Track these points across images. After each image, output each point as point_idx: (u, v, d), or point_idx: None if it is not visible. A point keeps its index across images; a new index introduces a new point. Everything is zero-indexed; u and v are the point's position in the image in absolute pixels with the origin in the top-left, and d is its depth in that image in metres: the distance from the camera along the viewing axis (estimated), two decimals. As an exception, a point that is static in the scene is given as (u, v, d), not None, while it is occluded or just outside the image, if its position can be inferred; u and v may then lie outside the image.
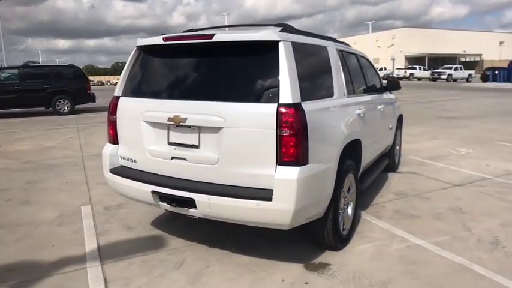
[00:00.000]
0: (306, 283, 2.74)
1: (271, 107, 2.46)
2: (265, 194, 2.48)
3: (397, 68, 47.19)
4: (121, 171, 3.13)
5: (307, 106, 2.52)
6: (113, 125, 3.22)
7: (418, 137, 8.39)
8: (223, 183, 2.65)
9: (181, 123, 2.73)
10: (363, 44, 59.77)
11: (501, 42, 57.11)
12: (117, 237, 3.57)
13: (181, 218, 3.89)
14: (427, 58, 52.58)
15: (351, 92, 3.53)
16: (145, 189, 2.88)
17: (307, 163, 2.48)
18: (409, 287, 2.66)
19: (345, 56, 3.70)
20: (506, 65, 34.20)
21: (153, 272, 2.92)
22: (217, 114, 2.60)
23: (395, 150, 5.61)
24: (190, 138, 2.77)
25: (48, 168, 6.32)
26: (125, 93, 3.18)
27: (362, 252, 3.19)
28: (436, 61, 52.94)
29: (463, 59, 54.57)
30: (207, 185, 2.68)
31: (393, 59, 56.68)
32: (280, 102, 2.45)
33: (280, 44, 2.55)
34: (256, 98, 2.58)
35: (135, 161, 3.09)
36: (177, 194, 2.73)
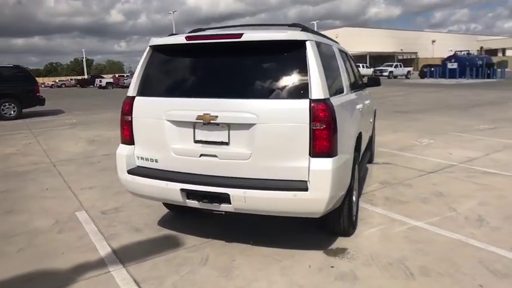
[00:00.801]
0: (332, 267, 2.94)
1: (304, 103, 2.62)
2: (299, 185, 2.64)
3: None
4: (141, 171, 3.11)
5: (333, 101, 2.72)
6: (128, 125, 3.18)
7: (382, 131, 8.96)
8: (256, 177, 2.76)
9: (210, 121, 2.79)
10: (309, 43, 61.76)
11: (433, 41, 61.97)
12: (128, 239, 3.52)
13: (187, 216, 3.94)
14: (368, 56, 55.53)
15: (351, 88, 3.79)
16: (173, 188, 2.90)
17: (337, 154, 2.67)
18: (424, 262, 2.95)
19: (342, 54, 3.96)
20: (440, 63, 37.19)
21: (182, 270, 2.95)
22: (250, 111, 2.71)
23: (373, 142, 6.02)
24: (219, 135, 2.83)
25: (18, 176, 5.95)
26: (142, 93, 3.15)
27: (371, 236, 3.45)
28: (376, 59, 56.14)
29: (400, 57, 58.35)
30: (240, 179, 2.78)
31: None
32: (312, 98, 2.63)
33: (307, 43, 2.72)
34: (288, 94, 2.73)
35: (156, 161, 3.09)
36: (209, 190, 2.79)
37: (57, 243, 3.51)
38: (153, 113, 3.04)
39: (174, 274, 2.90)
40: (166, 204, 3.96)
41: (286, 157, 2.69)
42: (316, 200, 2.62)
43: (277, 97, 2.72)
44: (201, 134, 2.89)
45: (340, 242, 3.33)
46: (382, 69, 41.26)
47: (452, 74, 32.20)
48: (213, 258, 3.12)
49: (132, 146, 3.20)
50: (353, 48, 57.44)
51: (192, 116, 2.85)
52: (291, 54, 2.75)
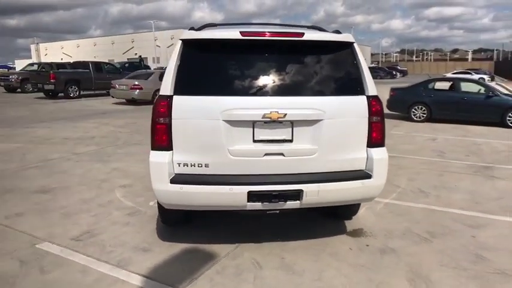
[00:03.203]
0: (367, 245, 3.34)
1: (363, 99, 2.92)
2: (363, 174, 2.93)
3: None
4: (189, 179, 2.78)
5: None
6: (165, 128, 2.79)
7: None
8: (324, 171, 2.89)
9: (278, 119, 2.76)
10: (141, 42, 59.62)
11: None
12: (148, 262, 3.07)
13: (184, 227, 3.68)
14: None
15: None
16: (239, 192, 2.73)
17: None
18: (423, 227, 3.66)
19: None
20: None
21: (246, 278, 2.84)
22: (318, 107, 2.82)
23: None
24: (282, 133, 2.82)
25: None
26: (182, 92, 2.81)
27: (366, 216, 3.99)
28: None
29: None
30: (312, 175, 2.85)
31: (173, 58, 59.13)
32: (368, 94, 2.94)
33: (355, 45, 3.01)
34: (348, 91, 2.95)
35: (206, 165, 2.81)
36: (281, 189, 2.76)
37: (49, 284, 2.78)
38: (205, 113, 2.78)
39: (243, 283, 2.76)
40: (167, 218, 3.57)
41: (347, 149, 2.93)
42: (377, 185, 2.97)
43: (340, 94, 2.93)
44: (262, 133, 2.82)
45: (350, 225, 3.75)
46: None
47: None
48: (262, 260, 3.09)
49: (170, 151, 2.83)
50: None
51: (257, 115, 2.76)
52: (342, 54, 3.00)
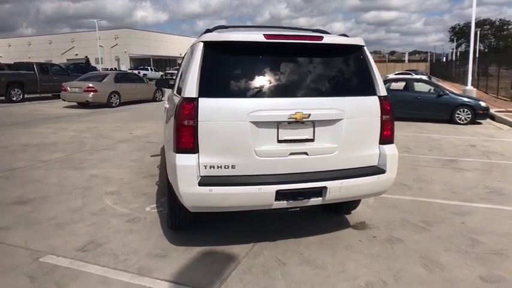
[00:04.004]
0: (374, 237, 3.55)
1: (376, 99, 3.11)
2: (377, 169, 3.12)
3: (129, 69, 47.97)
4: (218, 181, 2.78)
5: None
6: (191, 130, 2.76)
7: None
8: (343, 168, 3.03)
9: (303, 119, 2.86)
10: (82, 42, 56.62)
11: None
12: (168, 267, 3.01)
13: (191, 230, 3.66)
14: (151, 59, 55.99)
15: None
16: (268, 191, 2.79)
17: None
18: (418, 218, 3.95)
19: None
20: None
21: (273, 275, 2.90)
22: (338, 107, 2.96)
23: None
24: (304, 132, 2.93)
25: None
26: (207, 94, 2.81)
27: (362, 210, 4.20)
28: (159, 62, 57.37)
29: (180, 61, 61.65)
30: (335, 172, 2.98)
31: (118, 60, 56.95)
32: (379, 94, 3.14)
33: (365, 48, 3.20)
34: (362, 91, 3.12)
35: (233, 167, 2.83)
36: (307, 187, 2.86)
37: (79, 298, 2.64)
38: (232, 115, 2.80)
39: (273, 280, 2.82)
40: (178, 223, 3.52)
41: (363, 147, 3.11)
42: (390, 179, 3.17)
43: (356, 94, 3.09)
44: (285, 133, 2.90)
45: (352, 219, 3.95)
46: (172, 73, 42.64)
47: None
48: (283, 257, 3.16)
49: (196, 154, 2.81)
50: (136, 51, 56.74)
51: (283, 116, 2.83)
52: (355, 56, 3.16)
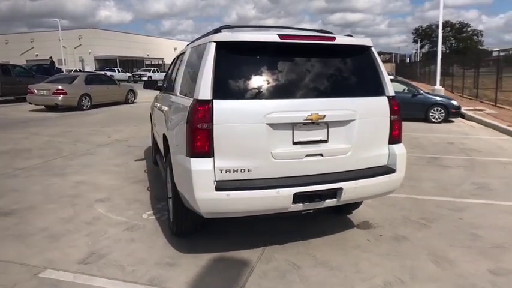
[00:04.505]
0: (380, 235, 3.59)
1: (385, 99, 3.15)
2: (388, 169, 3.15)
3: (95, 70, 46.41)
4: (234, 185, 2.71)
5: None
6: (206, 134, 2.67)
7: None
8: (356, 169, 3.03)
9: (318, 121, 2.85)
10: (42, 42, 54.15)
11: (175, 48, 67.17)
12: (184, 277, 2.90)
13: (196, 236, 3.58)
14: (118, 60, 54.44)
15: None
16: (286, 194, 2.74)
17: None
18: (417, 215, 4.04)
19: None
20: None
21: (292, 279, 2.86)
22: (350, 108, 2.97)
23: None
24: (318, 134, 2.91)
25: None
26: (222, 96, 2.72)
27: (363, 209, 4.25)
28: (126, 63, 55.87)
29: (148, 62, 60.24)
30: (349, 172, 2.98)
31: (82, 61, 54.98)
32: (388, 95, 3.18)
33: (373, 48, 3.22)
34: (372, 92, 3.14)
35: (249, 170, 2.76)
36: (324, 188, 2.85)
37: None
38: (248, 117, 2.74)
39: (292, 284, 2.79)
40: (183, 230, 3.42)
41: (374, 147, 3.13)
42: (399, 178, 3.22)
43: (366, 95, 3.11)
44: (301, 135, 2.87)
45: (354, 218, 3.99)
46: (141, 74, 41.74)
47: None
48: (296, 260, 3.13)
49: (211, 158, 2.73)
50: (100, 52, 54.89)
51: (299, 117, 2.81)
52: (364, 57, 3.18)
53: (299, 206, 2.88)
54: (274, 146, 2.83)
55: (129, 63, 56.88)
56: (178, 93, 3.49)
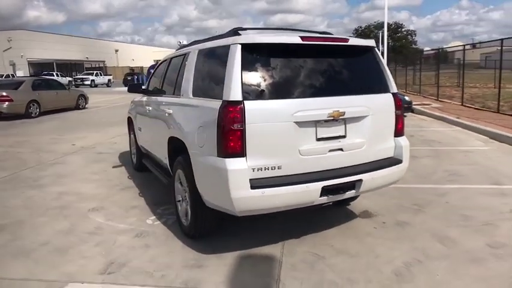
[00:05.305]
0: (384, 222, 3.87)
1: (390, 95, 3.41)
2: (396, 160, 3.42)
3: (31, 75, 43.17)
4: (267, 182, 2.80)
5: None
6: (239, 134, 2.73)
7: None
8: (370, 161, 3.26)
9: (339, 117, 3.03)
10: (-36, 45, 49.37)
11: (116, 50, 64.58)
12: (216, 277, 2.93)
13: (213, 236, 3.63)
14: (55, 64, 51.14)
15: None
16: (315, 188, 2.90)
17: None
18: (410, 202, 4.39)
19: None
20: (139, 71, 39.84)
21: (321, 268, 3.01)
22: (365, 105, 3.19)
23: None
24: (338, 130, 3.09)
25: None
26: (251, 96, 2.81)
27: (359, 200, 4.52)
28: (64, 67, 52.61)
29: (88, 65, 57.20)
30: (366, 164, 3.21)
31: (13, 65, 50.86)
32: (392, 91, 3.44)
33: (375, 49, 3.47)
34: (379, 89, 3.38)
35: (279, 167, 2.86)
36: (346, 181, 3.03)
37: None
38: (278, 116, 2.85)
39: (323, 273, 2.94)
40: (202, 230, 3.43)
41: (383, 140, 3.38)
42: (405, 168, 3.49)
43: (375, 92, 3.35)
44: (322, 132, 3.04)
45: (354, 209, 4.25)
46: (83, 78, 39.59)
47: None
48: (318, 251, 3.28)
49: (244, 157, 2.79)
50: (35, 55, 51.05)
51: (323, 115, 2.96)
52: (370, 56, 3.42)
53: (324, 199, 3.05)
54: (301, 143, 2.97)
55: (68, 67, 53.64)
56: (190, 96, 3.49)
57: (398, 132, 3.51)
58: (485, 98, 14.43)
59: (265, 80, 2.92)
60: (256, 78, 2.91)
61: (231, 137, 2.76)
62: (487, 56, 36.16)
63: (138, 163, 5.96)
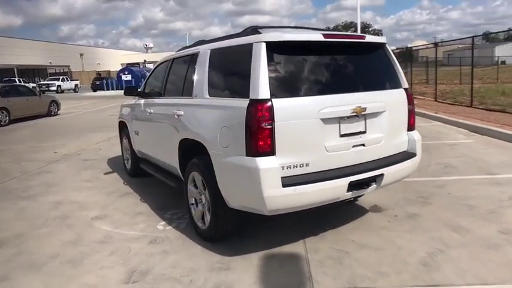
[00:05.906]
0: (395, 216, 3.96)
1: (402, 91, 3.49)
2: (411, 153, 3.51)
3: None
4: (298, 180, 2.80)
5: None
6: (268, 132, 2.71)
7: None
8: (389, 155, 3.33)
9: (361, 113, 3.07)
10: None
11: (81, 54, 62.40)
12: (248, 279, 2.89)
13: (232, 238, 3.60)
14: (16, 69, 48.76)
15: None
16: (342, 184, 2.93)
17: None
18: (416, 194, 4.52)
19: None
20: (107, 75, 38.64)
21: (348, 263, 3.03)
22: (382, 100, 3.26)
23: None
24: (359, 126, 3.14)
25: None
26: (278, 94, 2.79)
27: (365, 196, 4.58)
28: (26, 73, 50.29)
29: (52, 71, 54.94)
30: (387, 158, 3.28)
31: (-30, 71, 48.06)
32: (404, 87, 3.53)
33: (387, 45, 3.54)
34: (393, 84, 3.46)
35: (307, 165, 2.86)
36: (370, 176, 3.09)
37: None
38: (305, 113, 2.86)
39: (352, 268, 2.96)
40: (224, 231, 3.38)
41: (398, 134, 3.46)
42: (418, 161, 3.59)
43: (390, 87, 3.43)
44: (346, 128, 3.07)
45: (363, 204, 4.31)
46: (49, 84, 37.97)
47: (128, 85, 34.47)
48: (341, 247, 3.31)
49: (274, 156, 2.77)
50: (-5, 61, 48.40)
51: (347, 111, 3.00)
52: (383, 53, 3.49)
53: (349, 194, 3.08)
54: (326, 140, 2.99)
55: (30, 73, 51.28)
56: (205, 96, 3.43)
57: (411, 126, 3.61)
58: (454, 94, 15.12)
59: (290, 78, 2.93)
60: (282, 75, 2.90)
61: (260, 136, 2.73)
62: (449, 53, 37.86)
63: (133, 168, 5.79)
